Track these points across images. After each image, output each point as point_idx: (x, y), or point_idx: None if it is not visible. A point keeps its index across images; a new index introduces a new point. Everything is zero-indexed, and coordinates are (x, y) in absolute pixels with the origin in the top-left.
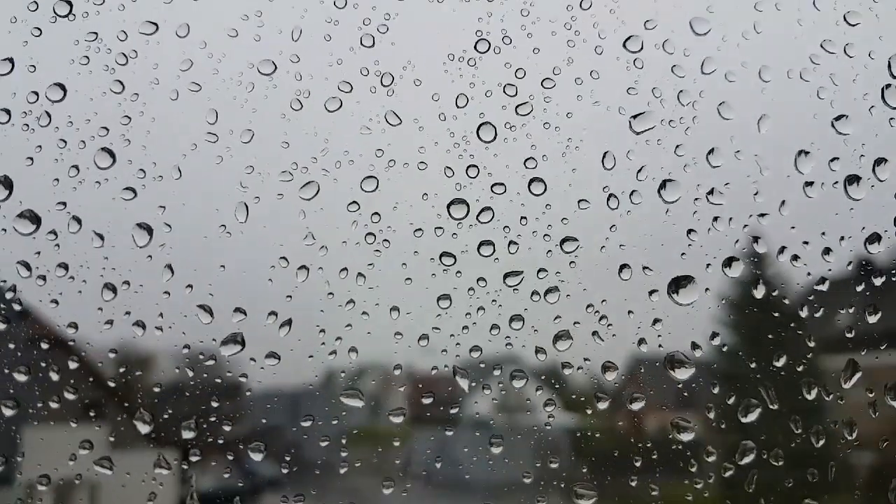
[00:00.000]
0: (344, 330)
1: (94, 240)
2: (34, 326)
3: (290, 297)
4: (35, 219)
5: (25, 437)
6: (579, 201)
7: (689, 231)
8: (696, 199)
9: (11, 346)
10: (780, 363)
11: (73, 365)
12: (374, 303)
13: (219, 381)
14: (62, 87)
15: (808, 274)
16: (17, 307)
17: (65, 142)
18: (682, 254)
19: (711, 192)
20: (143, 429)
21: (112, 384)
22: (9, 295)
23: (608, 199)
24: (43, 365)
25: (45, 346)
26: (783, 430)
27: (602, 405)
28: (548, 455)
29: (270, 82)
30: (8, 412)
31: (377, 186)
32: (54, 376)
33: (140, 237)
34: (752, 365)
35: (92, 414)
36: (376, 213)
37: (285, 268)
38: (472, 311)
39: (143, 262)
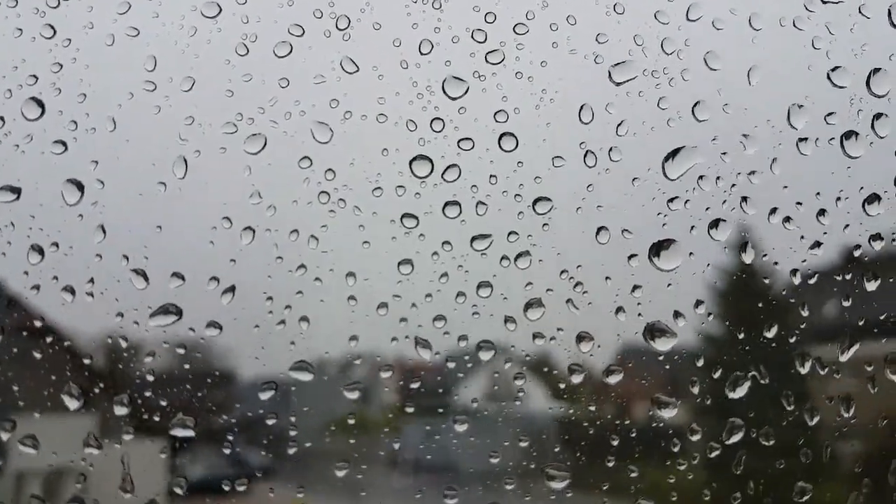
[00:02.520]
0: (294, 297)
1: (20, 197)
2: (16, 314)
3: (234, 261)
4: None
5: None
6: (554, 158)
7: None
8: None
9: None
10: (770, 333)
11: (58, 352)
12: (328, 268)
13: (209, 369)
14: None
15: (802, 237)
16: None
17: None
18: (664, 215)
19: (696, 148)
20: (121, 410)
21: (100, 372)
22: None
23: (585, 156)
24: (28, 353)
25: (28, 334)
26: (774, 406)
27: (576, 378)
28: (518, 434)
29: (214, 25)
30: None
31: (331, 139)
32: (40, 365)
33: (70, 194)
34: (741, 336)
35: (80, 402)
36: (330, 170)
37: (229, 229)
38: (435, 277)
39: (73, 222)
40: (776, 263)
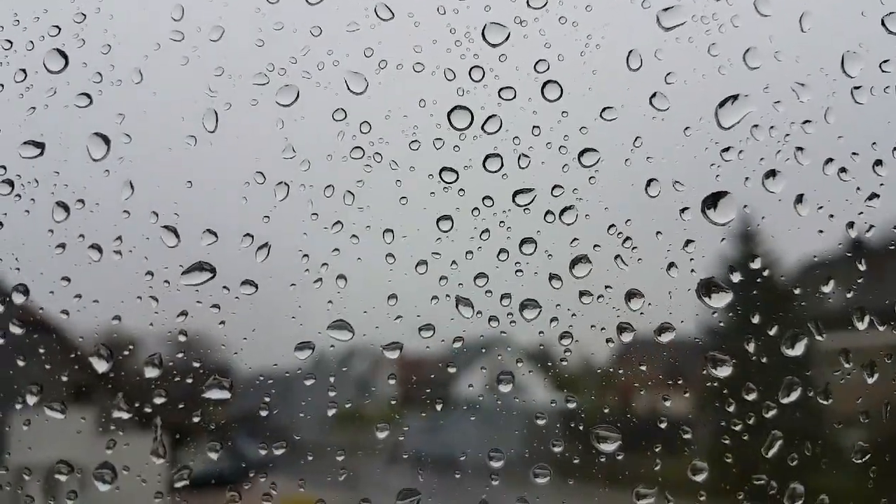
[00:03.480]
0: (330, 255)
1: (44, 153)
2: (19, 311)
3: (268, 217)
4: None
5: (11, 423)
6: (601, 108)
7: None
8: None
9: None
10: (827, 288)
11: (58, 349)
12: (365, 225)
13: (208, 363)
14: None
15: (858, 189)
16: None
17: (10, 42)
18: (717, 166)
19: (748, 96)
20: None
21: (99, 368)
22: None
23: (633, 105)
24: (29, 349)
25: (28, 329)
26: (832, 364)
27: (626, 337)
28: (565, 394)
29: None
30: None
31: (366, 90)
32: (40, 360)
33: (96, 149)
34: (797, 291)
35: (79, 399)
36: (366, 123)
37: (261, 184)
38: (476, 234)
39: (99, 178)
40: (832, 216)
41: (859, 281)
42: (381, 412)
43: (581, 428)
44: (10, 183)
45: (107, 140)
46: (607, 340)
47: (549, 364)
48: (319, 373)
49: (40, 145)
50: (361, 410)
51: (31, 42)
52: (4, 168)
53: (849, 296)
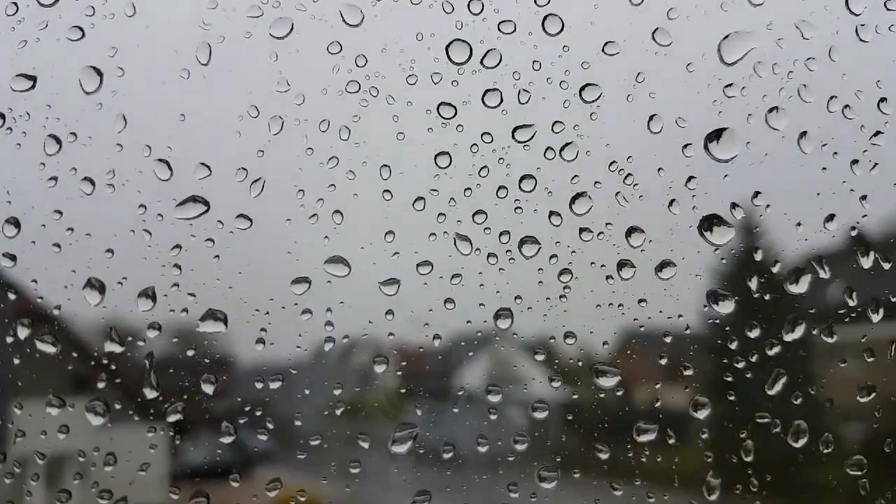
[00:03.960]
0: (326, 190)
1: (36, 86)
2: (20, 302)
3: (263, 152)
4: None
5: (15, 412)
6: (602, 43)
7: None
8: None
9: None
10: (832, 226)
11: (61, 337)
12: (361, 161)
13: (210, 353)
14: None
15: (862, 127)
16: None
17: None
18: (720, 102)
19: (751, 33)
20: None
21: (101, 358)
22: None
23: (635, 40)
24: (31, 339)
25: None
26: (835, 302)
27: (627, 273)
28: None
29: None
30: None
31: (361, 23)
32: (44, 350)
33: (89, 83)
34: (800, 228)
35: (82, 388)
36: (361, 56)
37: (255, 118)
38: (474, 171)
39: (91, 111)
40: (836, 154)
41: (863, 217)
42: (384, 404)
43: (580, 364)
44: (2, 116)
45: (100, 73)
46: (607, 277)
47: (547, 298)
48: (320, 364)
49: (32, 78)
50: (364, 402)
51: None
52: None
53: (853, 234)
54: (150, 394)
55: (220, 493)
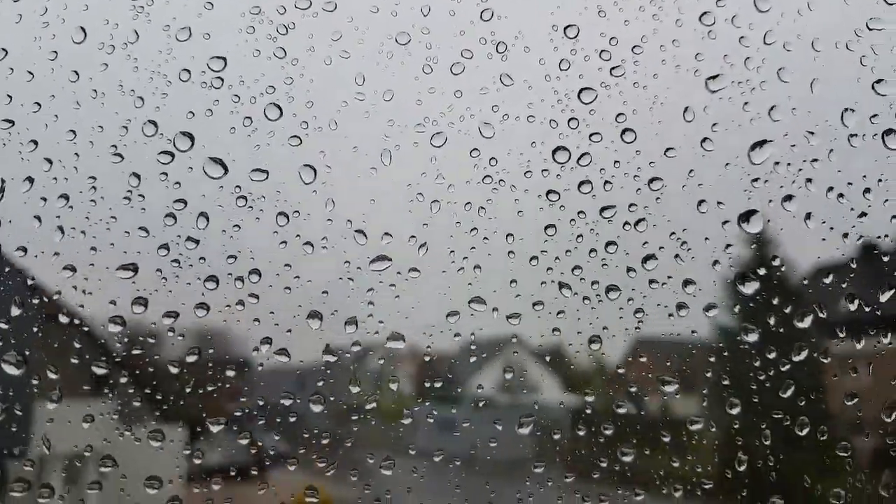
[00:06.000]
0: (469, 251)
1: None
2: (45, 303)
3: (426, 224)
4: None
5: (35, 411)
6: (666, 149)
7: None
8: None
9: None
10: (828, 280)
11: (81, 339)
12: (493, 230)
13: (227, 356)
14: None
15: (851, 209)
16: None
17: (238, 97)
18: (749, 191)
19: (772, 141)
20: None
21: (120, 359)
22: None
23: (688, 146)
24: (52, 339)
25: (55, 321)
26: (832, 336)
27: (683, 313)
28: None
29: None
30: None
31: (493, 136)
32: (63, 351)
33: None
34: (805, 282)
35: (101, 388)
36: (493, 158)
37: (422, 202)
38: (573, 237)
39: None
40: (832, 228)
41: (851, 276)
42: (398, 406)
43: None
44: (245, 199)
45: (314, 169)
46: (669, 315)
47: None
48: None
49: (265, 171)
50: (378, 404)
51: (254, 97)
52: None
53: (843, 286)
54: (165, 394)
55: (235, 494)
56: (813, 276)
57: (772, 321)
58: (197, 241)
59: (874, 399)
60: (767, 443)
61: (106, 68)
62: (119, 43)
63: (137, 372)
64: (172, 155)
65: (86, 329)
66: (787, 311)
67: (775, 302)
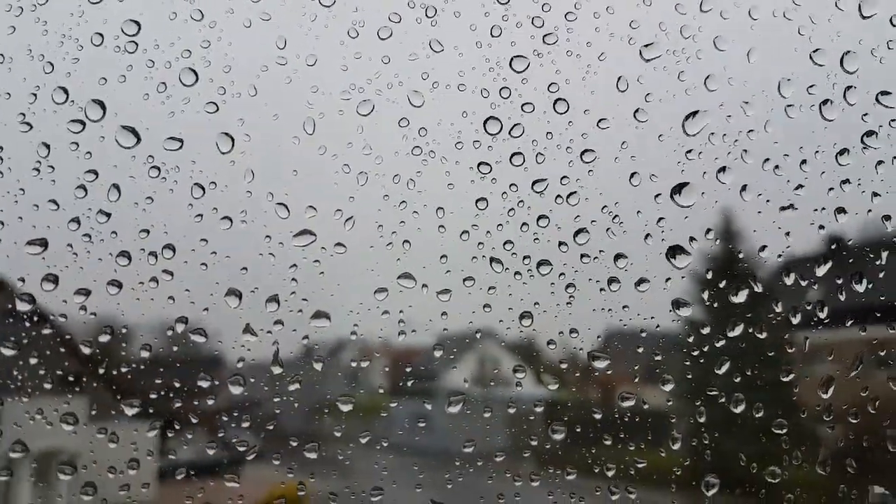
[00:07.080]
0: (398, 226)
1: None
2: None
3: (353, 197)
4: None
5: (5, 409)
6: (599, 120)
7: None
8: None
9: None
10: (764, 254)
11: (51, 336)
12: (423, 204)
13: (199, 353)
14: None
15: (788, 181)
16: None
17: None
18: (682, 163)
19: (707, 111)
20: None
21: (91, 356)
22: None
23: (621, 118)
24: (23, 337)
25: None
26: (766, 309)
27: (615, 286)
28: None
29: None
30: None
31: (423, 105)
32: (35, 348)
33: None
34: (741, 255)
35: (72, 385)
36: (423, 128)
37: (348, 174)
38: (504, 211)
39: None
40: (768, 201)
41: (787, 248)
42: (372, 402)
43: (581, 351)
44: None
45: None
46: (601, 289)
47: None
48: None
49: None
50: (353, 400)
51: (169, 62)
52: None
53: (778, 260)
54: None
55: (208, 491)
56: (749, 250)
57: (706, 296)
58: (109, 215)
59: (811, 375)
60: (703, 420)
61: (13, 31)
62: (27, 5)
63: (48, 353)
64: (84, 123)
65: None
66: (722, 285)
67: (709, 277)
